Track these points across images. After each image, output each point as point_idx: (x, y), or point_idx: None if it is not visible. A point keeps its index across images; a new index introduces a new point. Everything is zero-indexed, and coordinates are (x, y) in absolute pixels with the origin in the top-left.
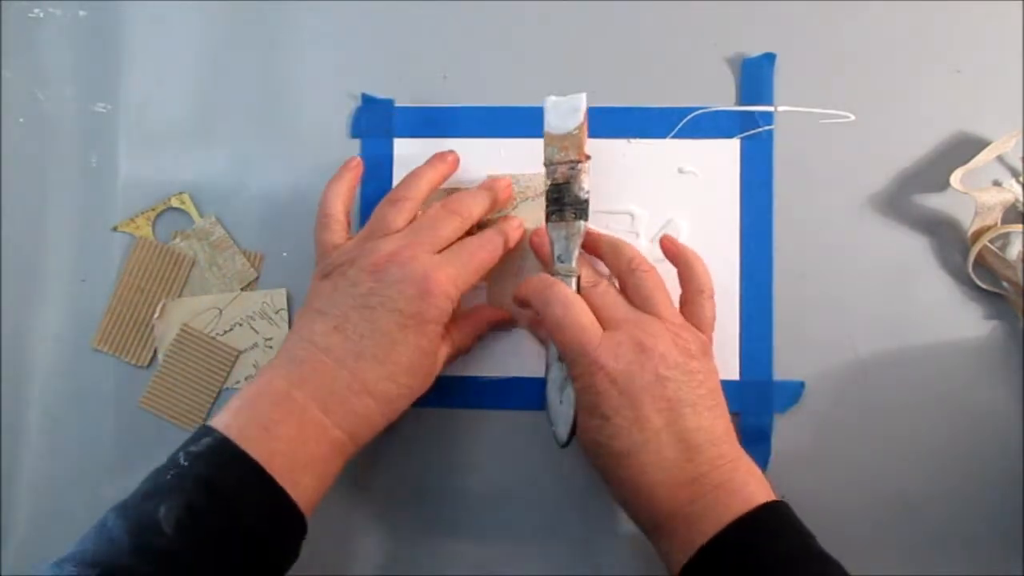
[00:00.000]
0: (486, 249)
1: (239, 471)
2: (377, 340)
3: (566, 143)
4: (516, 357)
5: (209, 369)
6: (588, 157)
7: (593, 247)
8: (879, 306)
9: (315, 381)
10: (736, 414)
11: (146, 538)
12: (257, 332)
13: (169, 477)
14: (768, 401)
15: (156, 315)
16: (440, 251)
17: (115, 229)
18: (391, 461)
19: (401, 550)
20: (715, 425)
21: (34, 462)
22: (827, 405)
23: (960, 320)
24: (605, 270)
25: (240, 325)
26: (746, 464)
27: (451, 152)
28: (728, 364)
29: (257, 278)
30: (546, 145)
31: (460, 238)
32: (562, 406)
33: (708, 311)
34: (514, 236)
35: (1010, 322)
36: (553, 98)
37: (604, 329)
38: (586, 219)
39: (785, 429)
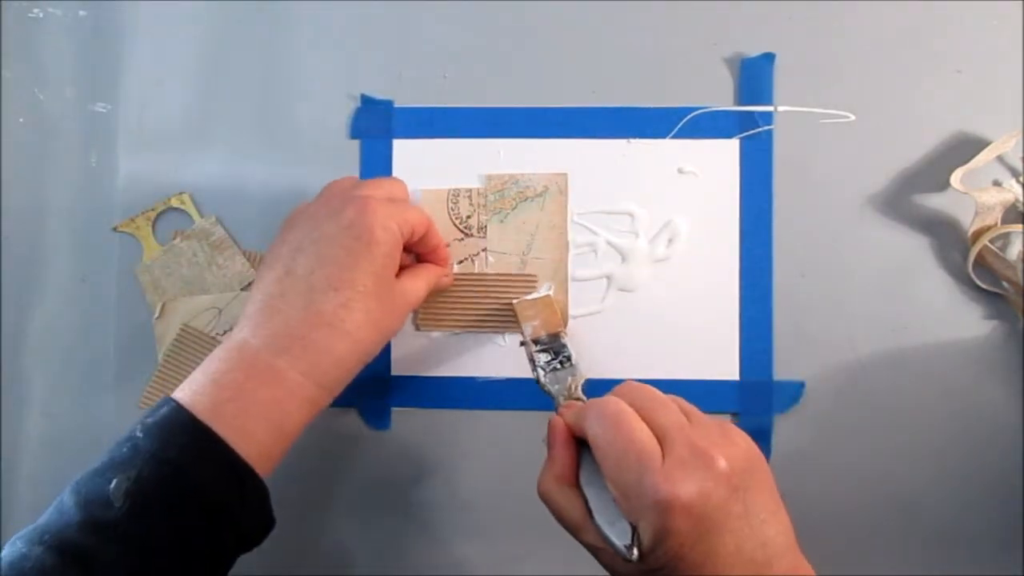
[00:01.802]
0: (424, 214)
1: (185, 434)
2: (327, 270)
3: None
4: (514, 358)
5: None
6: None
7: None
8: (879, 306)
9: (270, 326)
10: (736, 414)
11: (95, 511)
12: None
13: (124, 450)
14: (768, 401)
15: (156, 315)
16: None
17: (115, 229)
18: (390, 460)
19: (399, 550)
20: (782, 533)
21: (34, 462)
22: (827, 405)
23: (960, 320)
24: None
25: None
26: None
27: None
28: (728, 364)
29: None
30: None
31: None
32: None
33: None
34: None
35: (1010, 322)
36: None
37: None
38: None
39: (785, 429)
